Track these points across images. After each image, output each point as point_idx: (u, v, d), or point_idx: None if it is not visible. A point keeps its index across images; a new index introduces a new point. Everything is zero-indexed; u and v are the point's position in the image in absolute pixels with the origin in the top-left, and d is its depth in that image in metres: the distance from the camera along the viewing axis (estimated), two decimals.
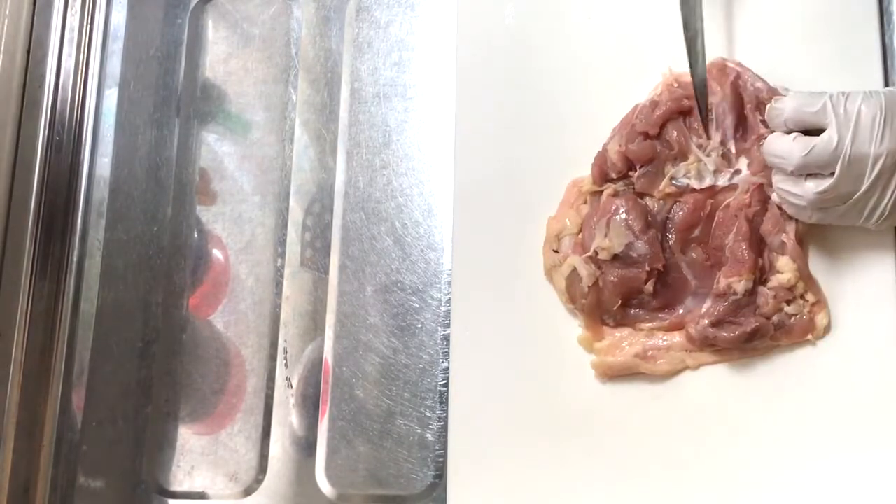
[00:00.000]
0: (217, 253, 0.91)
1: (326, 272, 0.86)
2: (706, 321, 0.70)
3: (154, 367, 0.89)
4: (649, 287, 0.71)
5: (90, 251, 0.88)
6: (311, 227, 0.88)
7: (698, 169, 0.72)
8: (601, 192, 0.74)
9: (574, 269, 0.73)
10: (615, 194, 0.73)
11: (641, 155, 0.72)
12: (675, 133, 0.72)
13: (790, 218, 0.69)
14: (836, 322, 0.70)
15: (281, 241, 0.89)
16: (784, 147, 0.65)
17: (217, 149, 0.93)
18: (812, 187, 0.64)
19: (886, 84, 0.72)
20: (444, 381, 0.81)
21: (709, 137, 0.71)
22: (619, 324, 0.73)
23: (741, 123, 0.71)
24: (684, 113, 0.72)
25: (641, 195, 0.73)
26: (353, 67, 0.91)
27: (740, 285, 0.69)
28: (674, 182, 0.72)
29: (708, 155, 0.72)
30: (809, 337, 0.69)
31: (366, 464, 0.82)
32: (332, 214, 0.87)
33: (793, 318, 0.69)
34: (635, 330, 0.73)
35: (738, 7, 0.75)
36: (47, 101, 0.87)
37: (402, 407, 0.82)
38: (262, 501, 0.84)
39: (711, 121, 0.72)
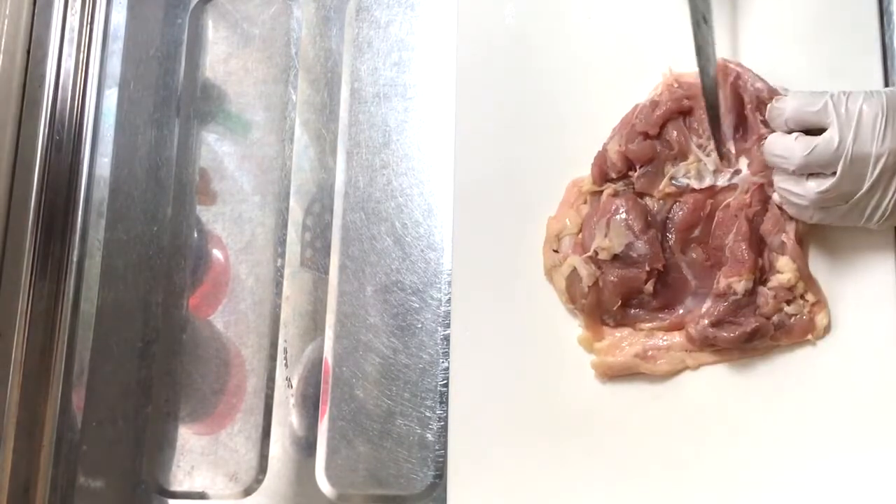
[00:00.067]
0: (217, 253, 0.91)
1: (326, 272, 0.86)
2: (706, 321, 0.70)
3: (154, 367, 0.89)
4: (649, 287, 0.71)
5: (90, 251, 0.88)
6: (311, 227, 0.88)
7: (698, 169, 0.72)
8: (601, 192, 0.74)
9: (574, 269, 0.73)
10: (615, 194, 0.73)
11: (641, 155, 0.72)
12: (675, 133, 0.72)
13: (790, 218, 0.69)
14: (836, 322, 0.70)
15: (281, 241, 0.89)
16: (786, 147, 0.65)
17: (217, 149, 0.93)
18: (814, 187, 0.64)
19: (886, 84, 0.72)
20: (444, 381, 0.81)
21: (721, 145, 0.71)
22: (619, 324, 0.73)
23: (741, 124, 0.71)
24: (684, 113, 0.72)
25: (641, 195, 0.73)
26: (353, 67, 0.91)
27: (740, 285, 0.69)
28: (674, 182, 0.72)
29: (708, 155, 0.72)
30: (809, 337, 0.69)
31: (366, 464, 0.82)
32: (332, 214, 0.87)
33: (793, 318, 0.69)
34: (635, 330, 0.73)
35: (737, 7, 0.75)
36: (47, 101, 0.87)
37: (402, 407, 0.82)
38: (262, 501, 0.84)
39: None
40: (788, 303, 0.69)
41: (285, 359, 0.86)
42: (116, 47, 0.92)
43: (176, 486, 0.86)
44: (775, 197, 0.69)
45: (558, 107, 0.77)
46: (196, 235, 0.92)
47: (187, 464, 0.87)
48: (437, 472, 0.80)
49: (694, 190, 0.72)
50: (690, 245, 0.72)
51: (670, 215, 0.73)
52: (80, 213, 0.87)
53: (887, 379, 0.68)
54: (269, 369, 0.87)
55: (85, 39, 0.90)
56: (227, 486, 0.85)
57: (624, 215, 0.72)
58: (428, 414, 0.81)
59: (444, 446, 0.76)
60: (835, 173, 0.62)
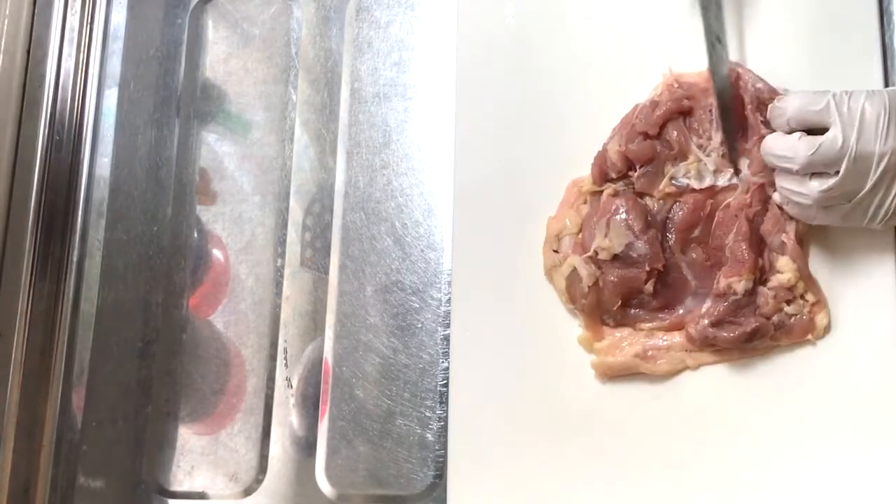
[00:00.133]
0: (217, 253, 0.91)
1: (326, 272, 0.86)
2: (706, 321, 0.70)
3: (154, 367, 0.89)
4: (649, 287, 0.71)
5: (90, 251, 0.88)
6: (311, 227, 0.88)
7: (698, 169, 0.72)
8: (601, 192, 0.74)
9: (574, 269, 0.73)
10: (615, 194, 0.73)
11: (641, 155, 0.72)
12: (675, 133, 0.72)
13: (790, 218, 0.69)
14: (836, 322, 0.70)
15: (281, 241, 0.89)
16: (789, 146, 0.64)
17: (217, 149, 0.93)
18: (817, 186, 0.63)
19: (886, 84, 0.72)
20: (444, 381, 0.81)
21: (732, 149, 0.71)
22: (619, 324, 0.73)
23: (741, 124, 0.71)
24: (684, 113, 0.72)
25: (641, 195, 0.73)
26: (353, 67, 0.90)
27: (740, 285, 0.69)
28: (674, 182, 0.72)
29: (708, 155, 0.72)
30: (809, 337, 0.69)
31: (366, 464, 0.82)
32: (332, 214, 0.87)
33: (793, 318, 0.69)
34: (635, 330, 0.73)
35: (737, 8, 0.75)
36: (47, 101, 0.87)
37: (402, 407, 0.82)
38: (262, 501, 0.84)
39: (712, 121, 0.72)
40: (788, 303, 0.69)
41: (285, 359, 0.86)
42: (116, 47, 0.92)
43: (176, 486, 0.86)
44: (776, 197, 0.69)
45: (558, 107, 0.77)
46: (196, 235, 0.92)
47: (187, 464, 0.87)
48: (437, 472, 0.80)
49: (694, 190, 0.72)
50: (690, 245, 0.72)
51: (670, 215, 0.73)
52: (80, 213, 0.87)
53: (887, 379, 0.68)
54: (269, 369, 0.87)
55: (85, 39, 0.90)
56: (227, 486, 0.85)
57: (624, 215, 0.72)
58: (428, 414, 0.81)
59: (444, 446, 0.76)
60: (838, 172, 0.62)
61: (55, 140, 0.87)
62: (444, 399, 0.81)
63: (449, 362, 0.76)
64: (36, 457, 0.83)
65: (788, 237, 0.69)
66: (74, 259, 0.87)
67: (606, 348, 0.72)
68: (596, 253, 0.72)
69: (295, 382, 0.85)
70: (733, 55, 0.73)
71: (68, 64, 0.89)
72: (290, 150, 0.90)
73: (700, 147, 0.72)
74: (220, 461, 0.86)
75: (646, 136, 0.72)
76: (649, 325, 0.73)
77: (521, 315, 0.75)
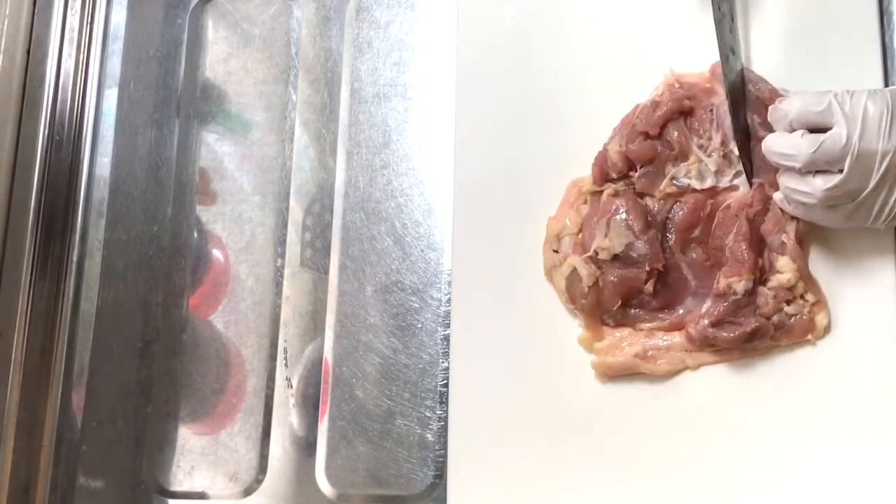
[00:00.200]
0: (217, 253, 0.91)
1: (326, 272, 0.86)
2: (706, 321, 0.70)
3: (154, 367, 0.89)
4: (649, 287, 0.71)
5: (90, 251, 0.88)
6: (311, 227, 0.88)
7: (699, 169, 0.72)
8: (601, 192, 0.74)
9: (574, 269, 0.73)
10: (615, 194, 0.73)
11: (642, 155, 0.72)
12: (675, 133, 0.72)
13: (791, 218, 0.69)
14: (836, 322, 0.70)
15: (281, 241, 0.89)
16: (791, 144, 0.64)
17: (217, 149, 0.93)
18: (821, 184, 0.63)
19: (886, 84, 0.72)
20: (444, 381, 0.81)
21: (746, 157, 0.71)
22: (619, 324, 0.73)
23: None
24: (685, 113, 0.72)
25: (642, 195, 0.73)
26: (353, 67, 0.91)
27: (740, 285, 0.69)
28: (675, 182, 0.72)
29: (709, 155, 0.72)
30: (809, 337, 0.69)
31: (366, 464, 0.82)
32: (332, 214, 0.87)
33: (793, 318, 0.69)
34: (635, 330, 0.73)
35: (737, 8, 0.74)
36: (47, 101, 0.87)
37: (402, 407, 0.82)
38: (262, 501, 0.84)
39: (712, 122, 0.72)
40: (788, 303, 0.69)
41: (285, 359, 0.86)
42: (116, 47, 0.92)
43: (176, 486, 0.86)
44: (776, 196, 0.69)
45: (558, 107, 0.77)
46: (196, 235, 0.92)
47: (187, 464, 0.87)
48: (437, 472, 0.80)
49: (695, 190, 0.72)
50: (690, 245, 0.72)
51: (670, 215, 0.73)
52: (80, 213, 0.87)
53: (887, 379, 0.68)
54: (269, 369, 0.87)
55: (85, 39, 0.90)
56: (227, 486, 0.85)
57: (624, 215, 0.72)
58: (428, 414, 0.81)
59: (444, 446, 0.76)
60: (841, 170, 0.62)
61: (55, 140, 0.87)
62: (444, 399, 0.81)
63: (449, 362, 0.76)
64: (36, 457, 0.83)
65: (788, 237, 0.69)
66: (74, 259, 0.87)
67: (606, 348, 0.72)
68: (596, 253, 0.72)
69: (295, 382, 0.85)
70: None
71: (68, 64, 0.89)
72: (290, 150, 0.90)
73: (701, 147, 0.72)
74: (220, 461, 0.86)
75: (646, 136, 0.72)
76: (649, 325, 0.73)
77: (521, 315, 0.75)
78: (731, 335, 0.69)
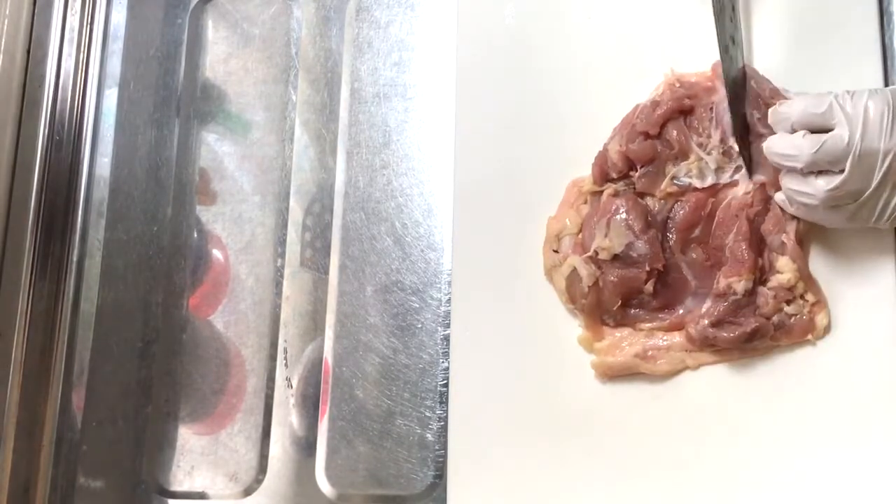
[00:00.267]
0: (217, 253, 0.91)
1: (326, 272, 0.86)
2: (706, 321, 0.70)
3: (154, 367, 0.89)
4: (649, 287, 0.71)
5: (90, 251, 0.88)
6: (311, 227, 0.88)
7: (699, 168, 0.72)
8: (601, 192, 0.74)
9: (574, 269, 0.73)
10: (615, 194, 0.73)
11: (642, 155, 0.72)
12: (675, 133, 0.72)
13: (791, 218, 0.69)
14: (836, 322, 0.70)
15: (281, 241, 0.89)
16: (793, 144, 0.64)
17: (217, 149, 0.93)
18: (823, 185, 0.63)
19: (886, 84, 0.72)
20: (444, 381, 0.81)
21: (745, 148, 0.71)
22: (619, 324, 0.73)
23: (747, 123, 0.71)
24: (685, 112, 0.72)
25: (642, 195, 0.73)
26: (353, 67, 0.91)
27: (740, 285, 0.69)
28: (675, 182, 0.72)
29: (709, 153, 0.72)
30: (809, 337, 0.69)
31: (366, 464, 0.82)
32: (332, 214, 0.87)
33: (793, 318, 0.69)
34: (635, 330, 0.73)
35: (738, 9, 0.74)
36: (47, 101, 0.87)
37: (402, 407, 0.82)
38: (262, 501, 0.84)
39: (711, 119, 0.72)
40: (788, 303, 0.69)
41: (285, 359, 0.86)
42: (116, 47, 0.92)
43: (176, 486, 0.86)
44: (778, 197, 0.69)
45: (558, 107, 0.77)
46: (196, 235, 0.92)
47: (187, 464, 0.87)
48: (437, 472, 0.80)
49: (696, 189, 0.72)
50: (690, 245, 0.72)
51: (671, 215, 0.73)
52: (80, 213, 0.87)
53: (887, 379, 0.68)
54: (269, 369, 0.87)
55: (85, 39, 0.90)
56: (227, 486, 0.85)
57: (624, 215, 0.72)
58: (428, 414, 0.81)
59: (444, 446, 0.76)
60: (843, 171, 0.62)
61: (55, 140, 0.87)
62: (444, 399, 0.81)
63: (449, 362, 0.76)
64: (36, 457, 0.83)
65: (788, 237, 0.69)
66: (74, 259, 0.87)
67: (606, 348, 0.72)
68: (596, 253, 0.72)
69: (295, 382, 0.85)
70: None
71: (68, 64, 0.89)
72: (290, 150, 0.90)
73: (700, 146, 0.72)
74: (220, 461, 0.86)
75: (646, 135, 0.72)
76: (649, 325, 0.73)
77: (521, 315, 0.75)
78: (731, 335, 0.69)
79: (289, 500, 0.83)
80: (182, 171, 0.93)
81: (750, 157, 0.71)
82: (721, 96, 0.72)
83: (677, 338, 0.72)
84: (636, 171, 0.73)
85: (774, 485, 0.68)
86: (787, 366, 0.70)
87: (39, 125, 0.86)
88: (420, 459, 0.81)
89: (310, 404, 0.84)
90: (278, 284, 0.88)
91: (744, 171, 0.71)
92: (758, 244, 0.70)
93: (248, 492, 0.84)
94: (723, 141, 0.71)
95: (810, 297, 0.69)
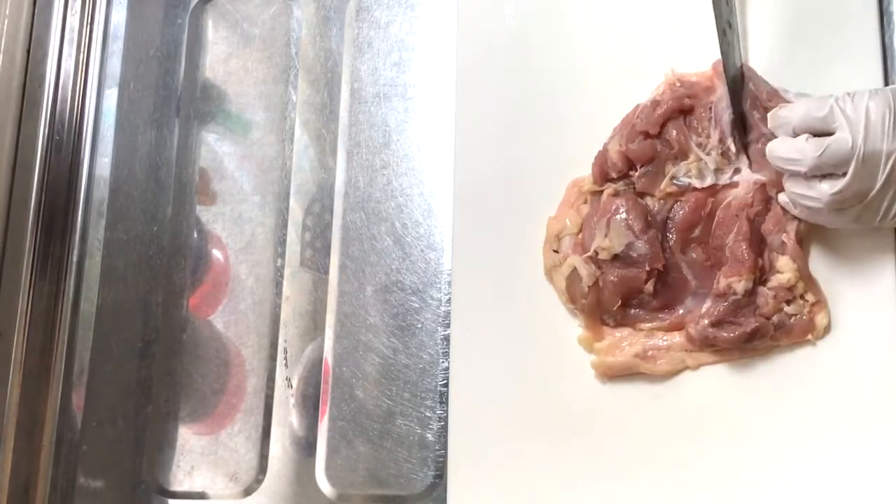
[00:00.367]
0: (217, 253, 0.91)
1: (326, 272, 0.86)
2: (706, 321, 0.70)
3: (154, 367, 0.89)
4: (649, 287, 0.71)
5: (90, 251, 0.88)
6: (311, 227, 0.88)
7: (699, 168, 0.72)
8: (601, 191, 0.74)
9: (574, 269, 0.73)
10: (615, 194, 0.73)
11: (642, 154, 0.72)
12: (675, 132, 0.72)
13: (792, 218, 0.69)
14: (836, 322, 0.70)
15: (281, 241, 0.89)
16: (796, 148, 0.64)
17: (217, 149, 0.93)
18: (827, 189, 0.63)
19: (886, 83, 0.72)
20: (444, 381, 0.81)
21: (743, 136, 0.71)
22: (619, 324, 0.73)
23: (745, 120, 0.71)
24: (685, 112, 0.72)
25: (642, 195, 0.73)
26: (353, 67, 0.91)
27: (740, 285, 0.69)
28: (675, 181, 0.72)
29: (708, 154, 0.72)
30: (809, 337, 0.69)
31: (366, 464, 0.82)
32: (332, 214, 0.87)
33: (793, 318, 0.69)
34: (635, 330, 0.73)
35: (737, 7, 0.74)
36: (47, 101, 0.87)
37: (402, 407, 0.82)
38: (262, 501, 0.84)
39: (710, 119, 0.72)
40: (788, 303, 0.69)
41: (285, 359, 0.86)
42: (116, 47, 0.92)
43: (176, 486, 0.86)
44: (782, 198, 0.69)
45: (558, 107, 0.77)
46: (196, 235, 0.92)
47: (187, 464, 0.87)
48: (437, 472, 0.80)
49: (695, 189, 0.72)
50: (690, 245, 0.72)
51: (671, 215, 0.73)
52: (80, 213, 0.87)
53: (887, 379, 0.68)
54: (269, 369, 0.87)
55: (85, 39, 0.90)
56: (227, 486, 0.85)
57: (624, 215, 0.72)
58: (428, 414, 0.81)
59: (444, 446, 0.76)
60: (846, 174, 0.62)
61: (55, 140, 0.87)
62: (444, 399, 0.81)
63: (449, 362, 0.76)
64: (36, 457, 0.83)
65: (789, 237, 0.69)
66: (74, 259, 0.87)
67: (606, 348, 0.72)
68: (596, 253, 0.72)
69: (295, 382, 0.85)
70: None
71: (68, 64, 0.89)
72: (290, 150, 0.90)
73: (700, 146, 0.72)
74: (220, 461, 0.86)
75: (646, 135, 0.72)
76: (649, 325, 0.73)
77: (521, 315, 0.75)
78: (731, 335, 0.69)
79: (289, 500, 0.83)
80: (182, 171, 0.93)
81: (746, 140, 0.71)
82: (720, 94, 0.72)
83: (677, 338, 0.72)
84: (636, 170, 0.73)
85: (774, 485, 0.68)
86: (787, 366, 0.70)
87: (39, 125, 0.86)
88: (420, 459, 0.81)
89: (310, 404, 0.84)
90: (278, 284, 0.88)
91: (743, 172, 0.71)
92: (758, 244, 0.70)
93: (248, 492, 0.84)
94: (721, 141, 0.71)
95: (810, 297, 0.69)
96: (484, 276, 0.76)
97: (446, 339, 0.81)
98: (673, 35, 0.76)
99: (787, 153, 0.65)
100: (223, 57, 0.95)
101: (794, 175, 0.65)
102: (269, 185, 0.91)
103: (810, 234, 0.70)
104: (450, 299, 0.79)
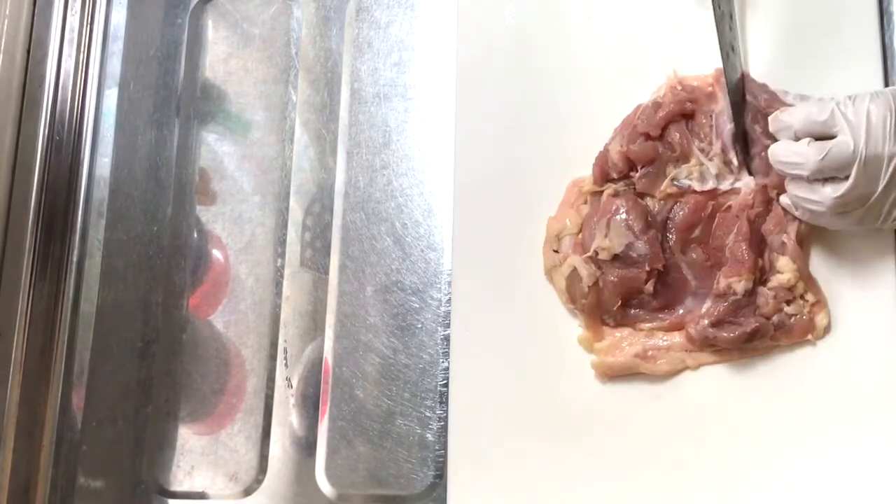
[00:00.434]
0: (217, 253, 0.91)
1: (326, 272, 0.86)
2: (706, 321, 0.70)
3: (154, 367, 0.89)
4: (649, 287, 0.71)
5: (90, 251, 0.88)
6: (311, 227, 0.88)
7: (700, 171, 0.72)
8: (601, 192, 0.74)
9: (574, 269, 0.73)
10: (615, 194, 0.73)
11: (643, 156, 0.72)
12: (677, 135, 0.72)
13: (793, 218, 0.69)
14: (836, 322, 0.70)
15: (281, 241, 0.89)
16: (798, 152, 0.64)
17: (217, 149, 0.93)
18: (830, 193, 0.63)
19: (886, 84, 0.72)
20: (444, 381, 0.81)
21: (746, 153, 0.71)
22: (619, 324, 0.73)
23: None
24: (687, 115, 0.72)
25: (642, 195, 0.73)
26: (353, 67, 0.91)
27: (740, 285, 0.69)
28: (675, 183, 0.72)
29: (710, 159, 0.72)
30: (809, 337, 0.69)
31: (366, 464, 0.82)
32: (332, 214, 0.87)
33: (793, 318, 0.69)
34: (635, 330, 0.73)
35: (737, 9, 0.74)
36: (47, 101, 0.87)
37: (402, 407, 0.82)
38: (262, 501, 0.84)
39: (712, 127, 0.72)
40: (788, 303, 0.69)
41: (285, 359, 0.86)
42: (116, 47, 0.92)
43: (176, 486, 0.86)
44: (784, 200, 0.69)
45: (558, 107, 0.77)
46: (196, 235, 0.92)
47: (187, 464, 0.87)
48: (437, 472, 0.80)
49: (695, 191, 0.72)
50: (690, 245, 0.72)
51: (671, 215, 0.73)
52: (80, 213, 0.87)
53: (887, 379, 0.68)
54: (269, 369, 0.87)
55: (85, 39, 0.90)
56: (227, 486, 0.85)
57: (624, 215, 0.72)
58: (428, 414, 0.81)
59: (444, 446, 0.76)
60: (848, 177, 0.62)
61: (55, 140, 0.87)
62: (444, 399, 0.81)
63: (449, 362, 0.76)
64: (36, 457, 0.83)
65: (789, 237, 0.69)
66: (74, 259, 0.87)
67: (606, 348, 0.72)
68: (596, 253, 0.72)
69: (295, 382, 0.85)
70: None
71: (68, 64, 0.89)
72: (290, 150, 0.90)
73: (702, 151, 0.72)
74: (220, 461, 0.86)
75: (648, 136, 0.72)
76: (649, 325, 0.73)
77: (521, 315, 0.75)
78: (731, 335, 0.69)
79: (289, 500, 0.83)
80: (182, 171, 0.93)
81: (749, 157, 0.71)
82: (722, 107, 0.72)
83: (677, 338, 0.72)
84: (636, 171, 0.73)
85: (774, 485, 0.68)
86: (787, 366, 0.70)
87: (39, 125, 0.86)
88: (420, 459, 0.81)
89: (310, 404, 0.84)
90: (278, 284, 0.88)
91: (744, 180, 0.71)
92: (758, 244, 0.70)
93: (248, 492, 0.84)
94: (724, 152, 0.71)
95: (810, 297, 0.69)
96: (484, 276, 0.76)
97: (446, 339, 0.81)
98: (673, 35, 0.76)
99: (789, 157, 0.65)
100: (223, 57, 0.95)
101: (797, 178, 0.65)
102: (269, 185, 0.91)
103: (810, 234, 0.70)
104: (450, 299, 0.79)
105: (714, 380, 0.71)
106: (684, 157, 0.72)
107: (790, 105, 0.69)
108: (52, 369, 0.84)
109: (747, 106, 0.71)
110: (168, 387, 0.88)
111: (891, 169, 0.61)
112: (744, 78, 0.72)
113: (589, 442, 0.72)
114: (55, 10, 0.89)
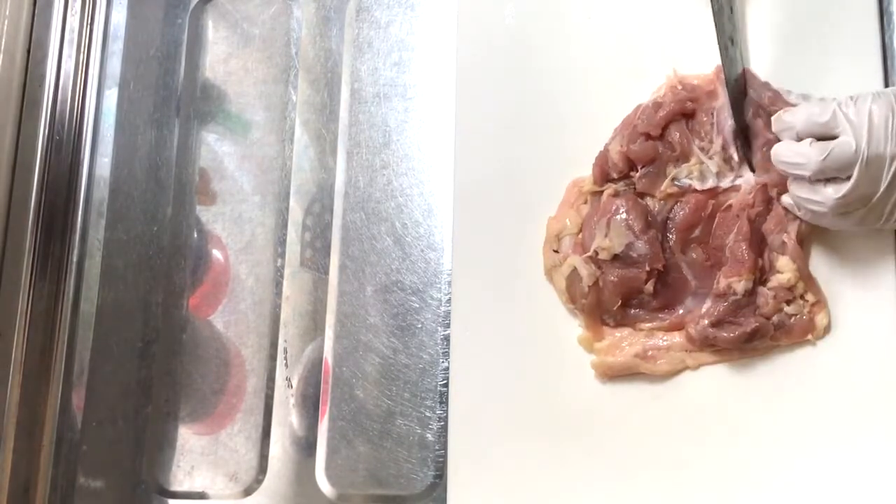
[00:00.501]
0: (217, 253, 0.91)
1: (326, 272, 0.86)
2: (706, 321, 0.70)
3: (154, 367, 0.89)
4: (649, 287, 0.71)
5: (90, 251, 0.88)
6: (311, 227, 0.88)
7: (700, 170, 0.72)
8: (601, 192, 0.74)
9: (574, 269, 0.73)
10: (616, 194, 0.73)
11: (643, 155, 0.72)
12: (677, 135, 0.72)
13: (793, 218, 0.69)
14: (836, 322, 0.70)
15: (281, 241, 0.89)
16: (800, 152, 0.64)
17: (217, 149, 0.93)
18: (832, 193, 0.63)
19: (886, 84, 0.72)
20: (444, 381, 0.81)
21: (746, 147, 0.71)
22: (619, 324, 0.73)
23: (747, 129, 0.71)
24: (687, 115, 0.72)
25: (642, 195, 0.73)
26: (353, 67, 0.91)
27: (740, 285, 0.69)
28: (676, 183, 0.72)
29: (710, 158, 0.72)
30: (809, 337, 0.69)
31: (366, 464, 0.82)
32: (332, 214, 0.87)
33: (793, 318, 0.69)
34: (635, 330, 0.73)
35: (737, 9, 0.74)
36: (47, 101, 0.87)
37: (402, 407, 0.82)
38: (262, 501, 0.84)
39: (713, 125, 0.72)
40: (788, 303, 0.69)
41: (285, 359, 0.86)
42: (116, 47, 0.92)
43: (176, 486, 0.86)
44: (785, 200, 0.69)
45: (558, 107, 0.77)
46: (196, 235, 0.92)
47: (187, 464, 0.87)
48: (437, 472, 0.80)
49: (696, 191, 0.72)
50: (691, 245, 0.72)
51: (671, 215, 0.73)
52: (80, 213, 0.88)
53: (887, 379, 0.68)
54: (269, 369, 0.87)
55: (85, 39, 0.90)
56: (227, 486, 0.85)
57: (624, 215, 0.72)
58: (428, 414, 0.81)
59: (444, 446, 0.76)
60: (850, 177, 0.62)
61: (55, 140, 0.87)
62: (444, 399, 0.81)
63: (449, 362, 0.76)
64: (36, 457, 0.83)
65: (789, 237, 0.69)
66: (74, 259, 0.87)
67: (606, 348, 0.72)
68: (596, 253, 0.72)
69: (295, 382, 0.85)
70: None
71: (68, 64, 0.89)
72: (290, 150, 0.90)
73: (702, 150, 0.72)
74: (220, 461, 0.86)
75: (648, 136, 0.72)
76: (649, 325, 0.73)
77: (521, 315, 0.75)
78: (731, 335, 0.69)
79: (289, 500, 0.83)
80: (182, 171, 0.93)
81: (749, 151, 0.71)
82: (722, 103, 0.72)
83: (677, 338, 0.72)
84: (637, 171, 0.73)
85: (774, 485, 0.68)
86: (787, 366, 0.70)
87: (39, 125, 0.86)
88: (420, 459, 0.81)
89: (310, 404, 0.84)
90: (278, 284, 0.88)
91: (745, 177, 0.71)
92: (758, 244, 0.70)
93: (248, 492, 0.84)
94: (724, 149, 0.71)
95: (810, 297, 0.69)
96: (484, 276, 0.76)
97: (446, 339, 0.81)
98: (673, 35, 0.76)
99: (791, 157, 0.65)
100: (223, 57, 0.95)
101: (799, 179, 0.65)
102: (269, 185, 0.91)
103: (811, 234, 0.70)
104: (450, 299, 0.79)
105: (714, 380, 0.71)
106: (684, 157, 0.72)
107: (793, 104, 0.69)
108: (52, 369, 0.84)
109: (748, 100, 0.71)
110: (168, 387, 0.88)
111: (892, 169, 0.61)
112: (745, 73, 0.72)
113: (589, 442, 0.72)
114: (55, 10, 0.89)
